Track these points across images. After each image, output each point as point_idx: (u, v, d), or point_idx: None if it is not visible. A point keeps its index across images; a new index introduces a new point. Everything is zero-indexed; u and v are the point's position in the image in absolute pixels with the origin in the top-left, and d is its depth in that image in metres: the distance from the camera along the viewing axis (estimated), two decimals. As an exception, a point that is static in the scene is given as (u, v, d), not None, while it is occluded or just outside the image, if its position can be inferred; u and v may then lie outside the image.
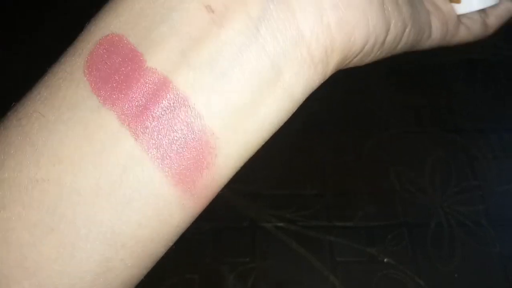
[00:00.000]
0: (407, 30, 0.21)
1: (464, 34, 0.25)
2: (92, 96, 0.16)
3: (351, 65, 0.20)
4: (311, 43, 0.17)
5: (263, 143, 0.18)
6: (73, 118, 0.16)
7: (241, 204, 0.63)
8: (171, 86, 0.16)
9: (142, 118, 0.16)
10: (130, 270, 0.18)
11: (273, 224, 0.61)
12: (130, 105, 0.16)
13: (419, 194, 0.61)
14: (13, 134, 0.17)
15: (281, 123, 0.18)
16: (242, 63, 0.17)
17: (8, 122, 0.17)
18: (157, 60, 0.16)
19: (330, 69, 0.18)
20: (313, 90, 0.19)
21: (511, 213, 0.60)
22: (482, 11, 0.25)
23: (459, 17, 0.25)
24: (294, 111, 0.18)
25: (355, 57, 0.19)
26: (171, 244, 0.18)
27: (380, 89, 0.69)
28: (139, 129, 0.16)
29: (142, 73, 0.16)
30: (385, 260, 0.57)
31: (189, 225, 0.18)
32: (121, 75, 0.16)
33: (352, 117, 0.71)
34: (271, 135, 0.18)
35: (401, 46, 0.21)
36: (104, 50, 0.17)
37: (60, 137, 0.16)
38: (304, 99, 0.18)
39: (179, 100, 0.16)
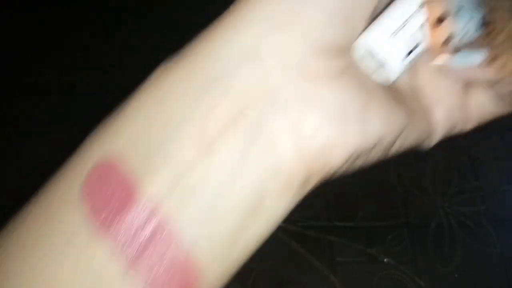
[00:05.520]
0: (400, 136, 0.20)
1: (477, 114, 0.22)
2: (87, 225, 0.17)
3: (340, 173, 0.20)
4: (289, 172, 0.18)
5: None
6: (67, 246, 0.17)
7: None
8: (161, 217, 0.17)
9: (133, 247, 0.17)
10: None
11: (273, 224, 0.61)
12: (122, 234, 0.16)
13: (420, 194, 0.61)
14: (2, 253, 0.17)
15: (261, 244, 0.19)
16: (227, 195, 0.17)
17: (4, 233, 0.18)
18: (149, 189, 0.17)
19: (311, 187, 0.19)
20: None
21: (512, 214, 0.60)
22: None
23: (466, 88, 0.22)
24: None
25: (338, 172, 0.19)
26: None
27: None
28: (129, 258, 0.16)
29: (135, 202, 0.17)
30: (385, 260, 0.57)
31: None
32: (115, 204, 0.17)
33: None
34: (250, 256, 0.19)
35: (396, 150, 0.21)
36: (99, 175, 0.17)
37: (54, 265, 0.17)
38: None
39: (168, 231, 0.17)
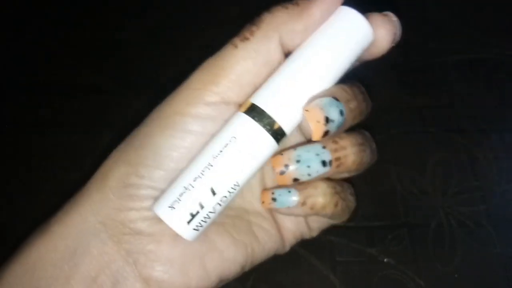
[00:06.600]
0: (248, 257, 0.28)
1: (317, 225, 0.31)
2: None
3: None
4: None
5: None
6: None
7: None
8: None
9: None
10: None
11: (273, 224, 0.61)
12: None
13: (420, 194, 0.61)
14: None
15: None
16: None
17: None
18: None
19: None
20: None
21: (512, 214, 0.60)
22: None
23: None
24: None
25: None
26: None
27: (381, 88, 0.69)
28: None
29: None
30: (385, 260, 0.57)
31: None
32: None
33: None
34: None
35: (251, 265, 0.29)
36: None
37: None
38: None
39: None
